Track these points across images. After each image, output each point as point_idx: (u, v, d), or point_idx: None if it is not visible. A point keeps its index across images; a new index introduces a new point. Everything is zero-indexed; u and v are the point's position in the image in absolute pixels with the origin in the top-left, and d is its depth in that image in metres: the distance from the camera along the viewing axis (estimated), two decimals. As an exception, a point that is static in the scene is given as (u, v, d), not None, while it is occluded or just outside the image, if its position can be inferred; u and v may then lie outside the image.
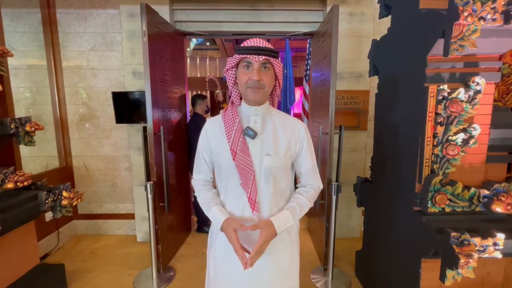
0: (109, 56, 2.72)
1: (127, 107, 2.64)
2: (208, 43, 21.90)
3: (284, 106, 4.48)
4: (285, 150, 1.01)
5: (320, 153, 2.24)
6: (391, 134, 1.72)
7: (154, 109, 2.12)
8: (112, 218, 2.98)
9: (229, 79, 1.03)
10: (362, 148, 2.81)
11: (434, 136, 1.35)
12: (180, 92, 2.78)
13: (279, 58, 0.97)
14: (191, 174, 3.02)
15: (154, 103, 2.13)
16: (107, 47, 2.71)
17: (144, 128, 2.13)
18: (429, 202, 1.34)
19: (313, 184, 1.08)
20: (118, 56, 2.71)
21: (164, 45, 2.36)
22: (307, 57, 4.48)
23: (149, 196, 2.09)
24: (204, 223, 3.04)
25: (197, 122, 2.90)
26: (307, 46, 4.55)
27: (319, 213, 2.37)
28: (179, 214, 2.73)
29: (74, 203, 1.96)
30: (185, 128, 2.88)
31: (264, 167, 0.98)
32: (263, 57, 0.91)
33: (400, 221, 1.59)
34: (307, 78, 4.50)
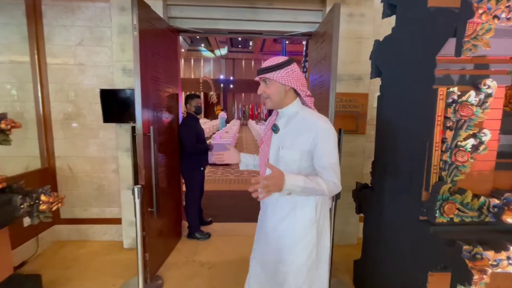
0: (98, 52, 2.58)
1: (116, 106, 2.50)
2: (203, 45, 21.41)
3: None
4: (297, 145, 1.15)
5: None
6: (395, 139, 1.64)
7: (144, 108, 2.00)
8: (97, 223, 2.81)
9: None
10: (361, 153, 2.74)
11: (443, 141, 1.27)
12: (173, 91, 2.65)
13: (281, 69, 1.13)
14: (183, 177, 2.89)
15: (144, 102, 2.00)
16: (95, 42, 2.57)
17: (133, 128, 2.00)
18: (437, 211, 1.26)
19: (329, 180, 1.13)
20: (108, 52, 2.57)
21: (157, 41, 2.25)
22: (303, 59, 4.43)
23: (137, 200, 1.95)
24: (195, 229, 2.91)
25: (190, 123, 2.78)
26: (304, 48, 4.50)
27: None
28: (169, 219, 2.59)
29: (54, 208, 1.81)
30: (177, 129, 2.76)
31: (275, 156, 1.21)
32: (260, 76, 1.17)
33: (404, 230, 1.51)
34: (303, 80, 4.44)
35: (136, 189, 1.95)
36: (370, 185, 1.99)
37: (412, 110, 1.45)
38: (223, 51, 19.18)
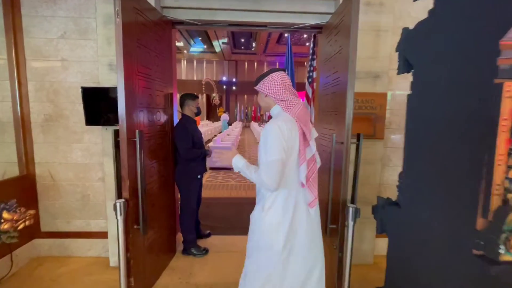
0: (83, 46, 2.30)
1: (100, 106, 2.21)
2: (205, 46, 21.28)
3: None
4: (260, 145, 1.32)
5: (332, 167, 1.83)
6: (435, 147, 1.32)
7: (128, 108, 1.70)
8: (82, 237, 2.52)
9: None
10: (378, 160, 2.42)
11: (510, 153, 0.96)
12: (166, 90, 2.36)
13: (261, 80, 1.36)
14: (177, 186, 2.59)
15: (129, 101, 1.71)
16: (80, 34, 2.29)
17: (116, 132, 1.70)
18: (501, 246, 0.95)
19: (259, 175, 1.25)
20: (93, 45, 2.29)
21: (147, 33, 1.96)
22: (310, 57, 4.13)
23: (119, 217, 1.66)
24: (191, 244, 2.60)
25: (185, 126, 2.48)
26: (310, 45, 4.20)
27: (330, 239, 1.95)
28: (160, 235, 2.29)
29: (20, 227, 1.52)
30: (171, 132, 2.46)
31: None
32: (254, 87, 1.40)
33: (448, 266, 1.19)
34: (310, 80, 4.14)
35: (118, 204, 1.65)
36: (396, 201, 1.67)
37: (463, 112, 1.14)
38: (222, 43, 18.64)
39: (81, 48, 2.31)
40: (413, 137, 1.54)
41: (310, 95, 4.07)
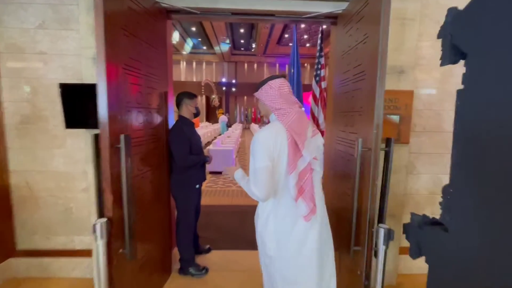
0: (64, 37, 2.01)
1: (85, 106, 1.91)
2: (205, 47, 21.19)
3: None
4: None
5: (357, 179, 1.53)
6: (497, 157, 1.02)
7: (112, 108, 1.41)
8: (64, 256, 2.21)
9: None
10: (402, 168, 2.12)
11: None
12: (160, 88, 2.06)
13: (260, 88, 1.36)
14: (173, 197, 2.29)
15: (112, 99, 1.41)
16: (61, 24, 2.00)
17: (97, 137, 1.40)
18: None
19: (250, 184, 1.25)
20: (76, 36, 2.00)
21: (137, 21, 1.67)
22: (317, 54, 3.84)
23: (99, 242, 1.35)
24: (188, 263, 2.29)
25: (182, 129, 2.18)
26: (318, 41, 3.92)
27: (354, 264, 1.65)
28: (154, 253, 1.99)
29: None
30: (166, 136, 2.16)
31: None
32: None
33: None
34: (317, 79, 3.85)
35: (98, 226, 1.35)
36: (438, 220, 1.37)
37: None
38: (224, 48, 18.61)
39: (62, 39, 2.01)
40: (466, 143, 1.24)
41: (317, 95, 3.78)
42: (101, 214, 1.43)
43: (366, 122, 1.55)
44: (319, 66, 3.76)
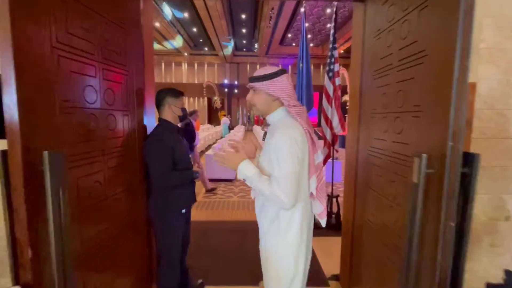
0: None
1: None
2: (206, 48, 21.03)
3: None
4: (267, 152, 1.17)
5: (417, 217, 0.99)
6: None
7: (29, 108, 0.88)
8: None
9: None
10: (459, 188, 1.57)
11: None
12: (131, 84, 1.54)
13: (269, 80, 1.16)
14: (152, 225, 1.76)
15: (30, 94, 0.89)
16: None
17: (4, 155, 0.88)
18: None
19: (274, 192, 1.08)
20: None
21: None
22: (330, 45, 3.30)
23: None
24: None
25: (161, 136, 1.65)
26: (331, 31, 3.37)
27: None
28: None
29: None
30: (140, 146, 1.64)
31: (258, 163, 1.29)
32: (249, 84, 1.24)
33: None
34: (330, 74, 3.31)
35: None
36: None
37: None
38: (227, 52, 18.37)
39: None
40: None
41: (331, 94, 3.24)
42: (16, 280, 0.90)
43: (428, 128, 1.01)
44: (333, 59, 3.22)
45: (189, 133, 4.54)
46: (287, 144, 1.09)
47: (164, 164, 1.61)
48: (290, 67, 20.84)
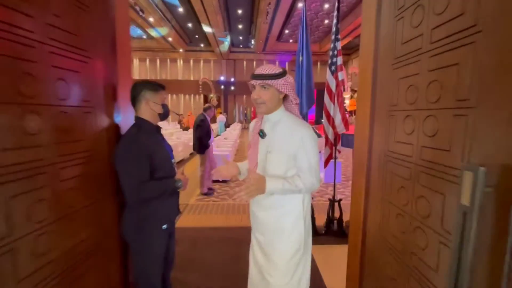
0: None
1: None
2: (202, 45, 20.69)
3: (300, 110, 2.97)
4: (284, 149, 1.24)
5: (469, 250, 0.72)
6: None
7: None
8: None
9: None
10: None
11: None
12: (93, 75, 1.25)
13: (280, 78, 1.20)
14: (127, 243, 1.47)
15: None
16: None
17: None
18: None
19: (307, 180, 1.22)
20: None
21: None
22: (333, 36, 3.02)
23: None
24: None
25: (135, 138, 1.36)
26: (334, 21, 3.08)
27: None
28: None
29: None
30: (110, 154, 1.35)
31: (264, 161, 1.29)
32: (260, 81, 1.20)
33: None
34: (333, 68, 3.03)
35: None
36: None
37: None
38: (224, 48, 18.00)
39: None
40: None
41: (333, 89, 2.97)
42: None
43: (483, 130, 0.74)
44: (335, 52, 2.95)
45: (205, 129, 4.31)
46: (314, 140, 1.24)
47: (138, 173, 1.32)
48: (287, 64, 20.52)
